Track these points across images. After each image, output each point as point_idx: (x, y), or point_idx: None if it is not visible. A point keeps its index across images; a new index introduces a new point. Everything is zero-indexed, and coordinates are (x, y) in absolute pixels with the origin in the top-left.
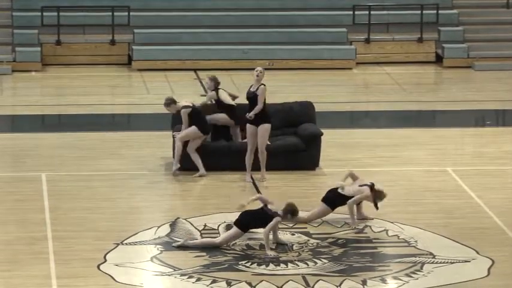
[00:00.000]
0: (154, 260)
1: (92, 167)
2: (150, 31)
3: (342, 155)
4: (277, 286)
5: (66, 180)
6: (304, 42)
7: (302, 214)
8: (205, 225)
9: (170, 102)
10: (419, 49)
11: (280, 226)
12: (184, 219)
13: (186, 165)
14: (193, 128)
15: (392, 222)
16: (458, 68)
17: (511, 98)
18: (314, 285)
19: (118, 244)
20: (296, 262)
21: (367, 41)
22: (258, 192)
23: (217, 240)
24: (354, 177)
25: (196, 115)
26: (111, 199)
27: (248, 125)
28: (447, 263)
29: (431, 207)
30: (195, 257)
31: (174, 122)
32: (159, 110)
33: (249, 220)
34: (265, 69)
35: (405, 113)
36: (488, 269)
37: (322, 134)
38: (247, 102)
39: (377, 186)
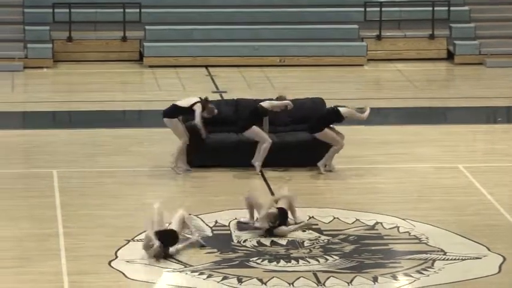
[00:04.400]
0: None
1: (103, 163)
2: (162, 28)
3: (353, 152)
4: (288, 283)
5: (77, 177)
6: (315, 38)
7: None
8: (216, 222)
9: None
10: (431, 46)
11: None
12: (196, 215)
13: (197, 163)
14: None
15: (403, 219)
16: (470, 64)
17: None
18: (325, 281)
19: (129, 241)
20: (307, 259)
21: (379, 37)
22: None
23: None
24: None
25: None
26: (122, 196)
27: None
28: (458, 259)
29: (442, 204)
30: (206, 253)
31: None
32: None
33: None
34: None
35: (416, 110)
36: (500, 266)
37: None
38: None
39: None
